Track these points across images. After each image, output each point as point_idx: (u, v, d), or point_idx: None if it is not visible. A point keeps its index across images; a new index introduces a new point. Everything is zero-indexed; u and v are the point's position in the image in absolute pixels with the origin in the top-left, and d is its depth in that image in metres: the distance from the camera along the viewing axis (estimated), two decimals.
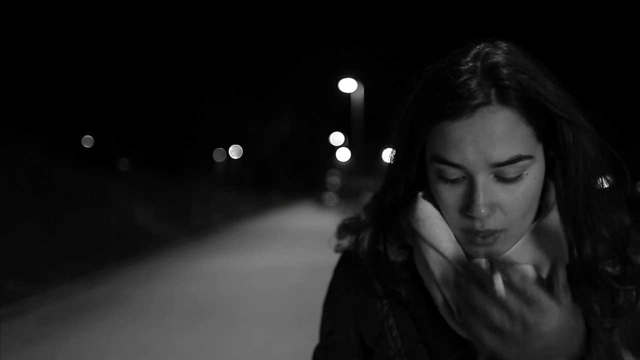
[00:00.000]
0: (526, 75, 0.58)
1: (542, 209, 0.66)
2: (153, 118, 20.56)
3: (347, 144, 34.55)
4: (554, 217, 0.64)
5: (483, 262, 0.62)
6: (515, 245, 0.64)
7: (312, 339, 0.90)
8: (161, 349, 4.12)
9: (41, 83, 15.47)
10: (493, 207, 0.60)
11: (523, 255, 0.63)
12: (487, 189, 0.59)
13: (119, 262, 8.48)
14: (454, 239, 0.66)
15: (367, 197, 0.84)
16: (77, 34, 16.92)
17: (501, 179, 0.59)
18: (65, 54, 16.48)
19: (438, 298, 0.67)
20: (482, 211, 0.59)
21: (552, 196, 0.66)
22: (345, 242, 0.81)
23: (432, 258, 0.67)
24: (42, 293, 6.10)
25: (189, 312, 5.23)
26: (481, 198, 0.59)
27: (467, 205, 0.60)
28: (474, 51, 0.61)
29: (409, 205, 0.71)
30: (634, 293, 0.62)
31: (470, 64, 0.59)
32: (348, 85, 24.91)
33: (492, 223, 0.60)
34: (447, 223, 0.67)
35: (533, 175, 0.60)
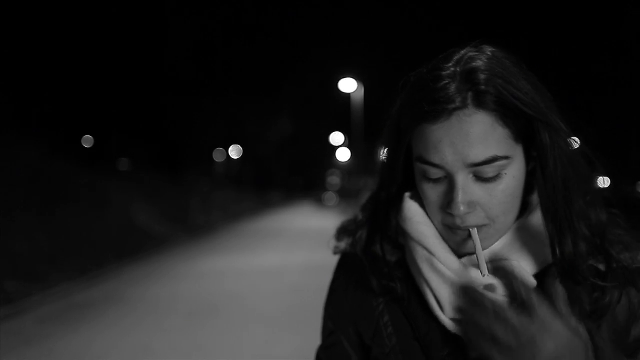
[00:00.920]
0: (502, 80, 0.60)
1: (527, 208, 0.69)
2: (153, 118, 20.56)
3: (347, 144, 34.53)
4: (537, 216, 0.67)
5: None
6: (502, 243, 0.67)
7: (311, 338, 0.90)
8: (161, 348, 4.12)
9: (41, 83, 15.47)
10: (472, 205, 0.63)
11: (510, 253, 0.66)
12: (467, 188, 0.63)
13: (119, 262, 8.48)
14: (440, 235, 0.69)
15: (366, 197, 0.86)
16: (78, 34, 16.92)
17: (480, 178, 0.63)
18: (65, 54, 16.48)
19: (428, 294, 0.69)
20: (462, 209, 0.62)
21: (537, 195, 0.68)
22: (344, 244, 0.85)
23: (420, 255, 0.70)
24: (42, 293, 6.10)
25: (188, 312, 5.24)
26: (460, 196, 0.62)
27: (448, 203, 0.64)
28: (457, 56, 0.64)
29: (399, 204, 0.75)
30: (617, 292, 0.64)
31: (451, 70, 0.62)
32: (348, 85, 24.87)
33: (472, 220, 0.64)
34: (432, 220, 0.70)
35: (512, 174, 0.63)
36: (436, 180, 0.65)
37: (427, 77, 0.64)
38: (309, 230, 14.46)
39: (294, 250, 9.92)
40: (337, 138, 36.00)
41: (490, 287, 0.65)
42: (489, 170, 0.61)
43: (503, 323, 0.52)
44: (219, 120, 24.63)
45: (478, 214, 0.63)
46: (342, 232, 0.85)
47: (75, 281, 6.87)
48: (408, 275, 0.75)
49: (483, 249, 0.65)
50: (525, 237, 0.67)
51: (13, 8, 13.94)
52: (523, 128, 0.62)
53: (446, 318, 0.67)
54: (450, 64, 0.63)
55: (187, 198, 16.70)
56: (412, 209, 0.72)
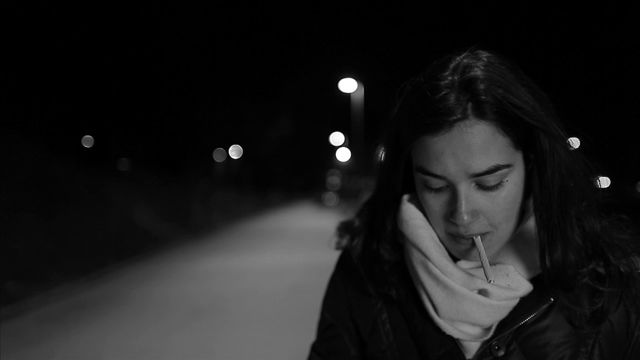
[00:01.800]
0: (502, 89, 0.60)
1: (524, 214, 0.69)
2: (153, 118, 20.56)
3: (347, 144, 34.51)
4: (531, 223, 0.67)
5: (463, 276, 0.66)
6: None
7: (311, 338, 0.91)
8: (161, 348, 4.12)
9: (41, 83, 15.47)
10: (475, 213, 0.63)
11: (505, 258, 0.68)
12: (469, 197, 0.63)
13: (119, 262, 8.48)
14: (437, 238, 0.70)
15: (365, 198, 0.87)
16: (78, 34, 16.92)
17: (482, 187, 0.63)
18: (65, 54, 16.47)
19: (423, 296, 0.70)
20: (465, 218, 0.62)
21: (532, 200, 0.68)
22: (345, 241, 0.85)
23: (416, 258, 0.70)
24: (42, 293, 6.10)
25: (188, 312, 5.24)
26: (463, 206, 0.62)
27: (451, 212, 0.64)
28: (453, 64, 0.63)
29: (397, 206, 0.76)
30: (615, 297, 0.64)
31: (449, 79, 0.62)
32: (348, 85, 24.85)
33: (476, 228, 0.64)
34: (431, 224, 0.70)
35: (513, 181, 0.63)
36: (438, 190, 0.65)
37: (425, 87, 0.63)
38: (309, 230, 14.46)
39: (294, 250, 9.92)
40: (337, 138, 36.00)
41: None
42: (490, 179, 0.61)
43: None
44: (219, 120, 24.62)
45: (481, 222, 0.64)
46: (344, 228, 0.86)
47: (75, 281, 6.87)
48: (406, 276, 0.75)
49: (487, 257, 0.65)
50: (520, 242, 0.67)
51: (13, 8, 13.93)
52: (523, 135, 0.63)
53: (440, 320, 0.68)
54: (447, 73, 0.62)
55: (187, 198, 16.68)
56: (409, 211, 0.73)
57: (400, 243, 0.77)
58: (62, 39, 16.08)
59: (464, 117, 0.60)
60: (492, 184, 0.62)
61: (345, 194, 28.68)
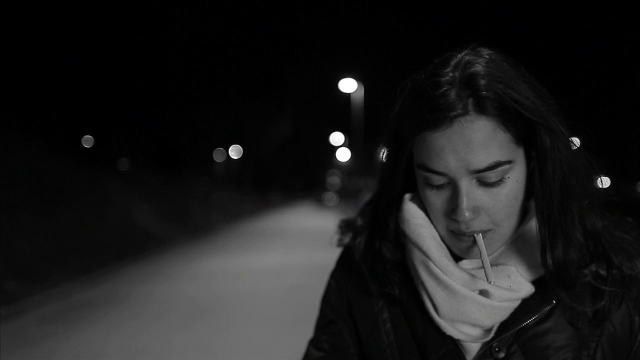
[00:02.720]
0: (503, 84, 0.60)
1: (527, 214, 0.69)
2: (153, 118, 20.56)
3: (347, 144, 34.51)
4: (533, 223, 0.66)
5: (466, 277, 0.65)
6: (500, 249, 0.67)
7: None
8: (161, 348, 4.12)
9: (41, 83, 15.47)
10: (477, 210, 0.63)
11: (507, 259, 0.67)
12: (470, 193, 0.62)
13: (119, 262, 8.48)
14: (438, 238, 0.69)
15: (367, 197, 0.87)
16: (78, 34, 16.91)
17: (483, 183, 0.62)
18: (65, 54, 16.47)
19: (424, 296, 0.69)
20: (466, 214, 0.62)
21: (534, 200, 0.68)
22: (346, 238, 0.85)
23: (417, 257, 0.70)
24: (42, 293, 6.10)
25: (188, 312, 5.24)
26: (465, 202, 0.62)
27: (453, 209, 0.64)
28: (455, 60, 0.63)
29: (399, 206, 0.75)
30: (617, 297, 0.64)
31: (450, 75, 0.61)
32: (348, 85, 24.84)
33: (477, 225, 0.63)
34: (432, 223, 0.70)
35: (515, 178, 0.63)
36: (439, 187, 0.65)
37: (426, 83, 0.62)
38: (309, 230, 14.46)
39: (294, 250, 9.92)
40: (337, 138, 36.00)
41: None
42: (492, 176, 0.61)
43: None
44: (219, 120, 24.62)
45: (482, 219, 0.63)
46: (346, 225, 0.86)
47: (75, 281, 6.86)
48: (408, 275, 0.75)
49: (488, 255, 0.64)
50: (522, 243, 0.67)
51: (13, 8, 13.93)
52: (524, 131, 0.62)
53: (441, 320, 0.67)
54: (448, 69, 0.62)
55: (187, 198, 16.70)
56: (411, 210, 0.72)
57: (402, 242, 0.77)
58: (62, 39, 16.08)
59: (465, 112, 0.59)
60: (494, 180, 0.61)
61: (345, 194, 28.70)
